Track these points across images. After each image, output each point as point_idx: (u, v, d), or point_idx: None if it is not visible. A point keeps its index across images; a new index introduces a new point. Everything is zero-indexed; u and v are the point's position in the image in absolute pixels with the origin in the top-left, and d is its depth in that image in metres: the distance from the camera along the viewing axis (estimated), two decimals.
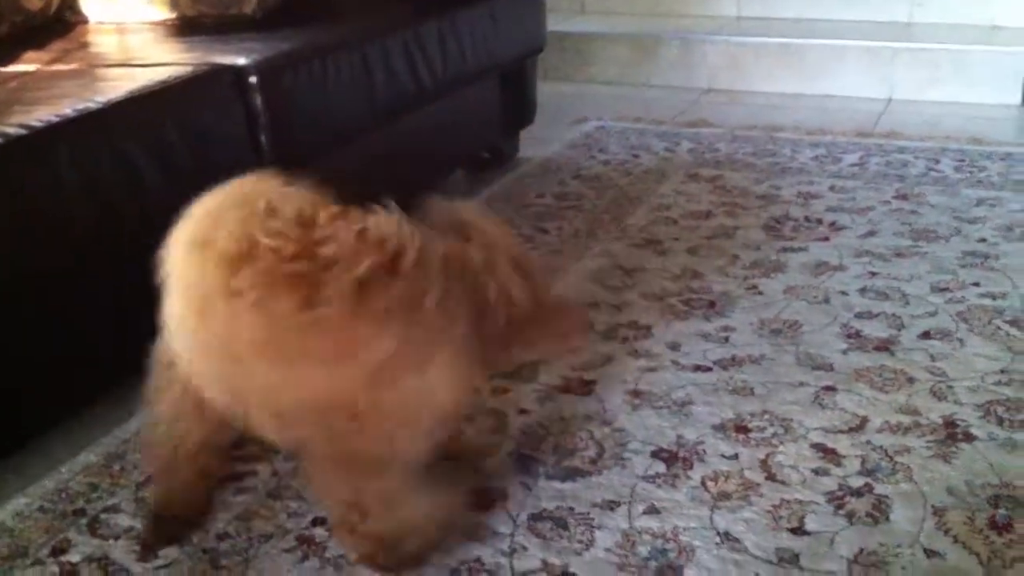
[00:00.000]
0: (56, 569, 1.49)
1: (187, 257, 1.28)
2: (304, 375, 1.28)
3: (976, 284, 2.19)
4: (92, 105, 1.79)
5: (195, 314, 1.28)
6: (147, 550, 1.52)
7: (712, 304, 2.17)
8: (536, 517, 1.54)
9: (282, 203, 1.29)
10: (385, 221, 1.31)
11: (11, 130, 1.65)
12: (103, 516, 1.60)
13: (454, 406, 1.39)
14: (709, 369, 1.91)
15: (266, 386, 1.28)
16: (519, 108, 3.14)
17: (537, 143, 3.25)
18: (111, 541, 1.54)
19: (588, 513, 1.54)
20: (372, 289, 1.25)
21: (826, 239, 2.47)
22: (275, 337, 1.25)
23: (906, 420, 1.72)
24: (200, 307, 1.27)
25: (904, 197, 2.71)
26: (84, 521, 1.59)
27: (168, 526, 1.55)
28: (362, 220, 1.30)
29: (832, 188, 2.81)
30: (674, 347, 2.00)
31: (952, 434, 1.68)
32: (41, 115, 1.72)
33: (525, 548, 1.48)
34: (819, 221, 2.58)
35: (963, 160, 2.99)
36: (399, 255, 1.28)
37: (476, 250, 1.37)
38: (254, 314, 1.23)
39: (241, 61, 2.07)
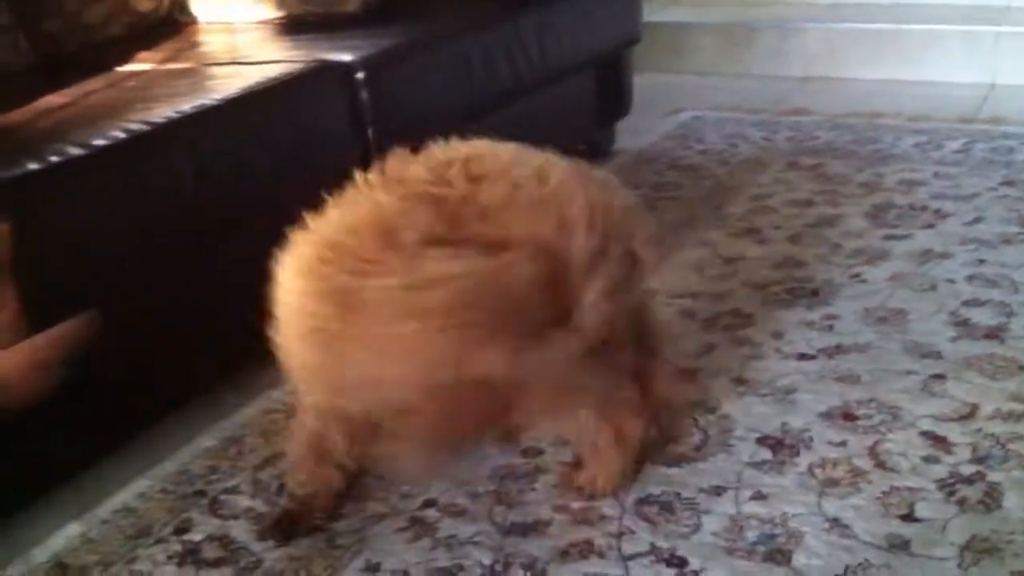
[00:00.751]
0: (179, 547, 1.56)
1: None
2: None
3: None
4: (208, 102, 1.85)
5: None
6: (271, 537, 1.56)
7: (815, 292, 2.15)
8: (643, 501, 1.56)
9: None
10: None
11: (134, 126, 1.72)
12: (223, 497, 1.66)
13: None
14: (814, 357, 1.91)
15: None
16: (615, 99, 3.14)
17: (633, 134, 3.25)
18: (231, 521, 1.60)
19: (695, 498, 1.56)
20: None
21: (931, 226, 2.43)
22: None
23: (1018, 408, 1.70)
24: None
25: (1011, 184, 2.66)
26: (204, 502, 1.65)
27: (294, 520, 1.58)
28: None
29: (936, 175, 2.76)
30: (777, 335, 1.99)
31: None
32: (160, 112, 1.79)
33: (633, 531, 1.50)
34: (923, 208, 2.54)
35: None
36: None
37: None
38: None
39: (348, 58, 2.13)
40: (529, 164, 1.42)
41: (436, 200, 1.35)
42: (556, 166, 1.43)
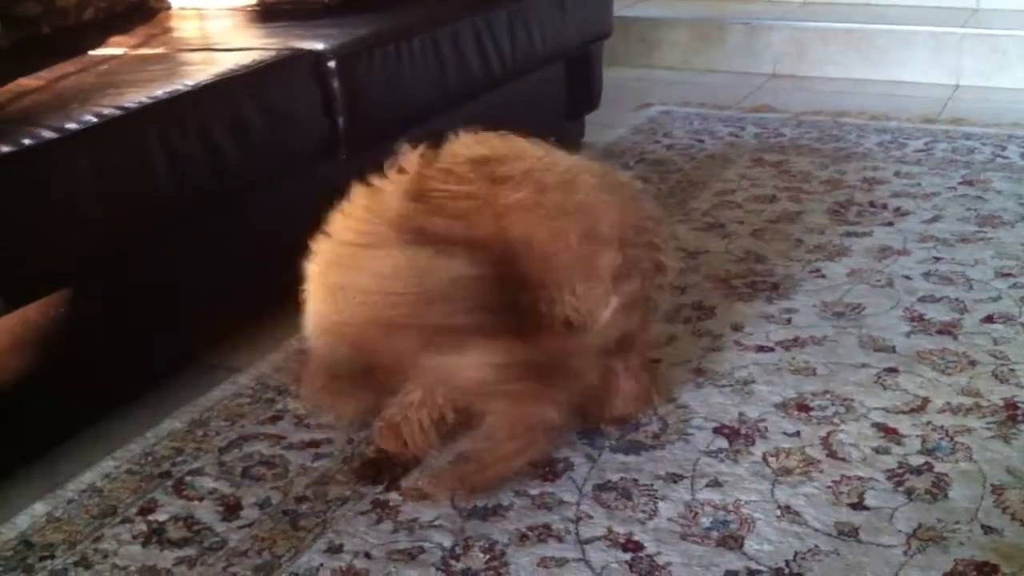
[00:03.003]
0: (144, 527, 1.58)
1: None
2: None
3: None
4: (180, 88, 1.87)
5: None
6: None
7: (775, 287, 2.20)
8: (601, 487, 1.60)
9: None
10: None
11: (106, 111, 1.74)
12: (188, 478, 1.68)
13: None
14: (771, 350, 1.95)
15: None
16: (584, 93, 3.17)
17: (602, 128, 3.28)
18: (196, 502, 1.62)
19: (652, 485, 1.59)
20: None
21: (890, 224, 2.48)
22: None
23: (967, 401, 1.75)
24: None
25: (970, 183, 2.71)
26: (170, 483, 1.67)
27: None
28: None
29: (897, 174, 2.81)
30: (737, 328, 2.04)
31: (1013, 416, 1.70)
32: (133, 97, 1.80)
33: (590, 516, 1.53)
34: (883, 206, 2.59)
35: None
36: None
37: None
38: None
39: (319, 46, 2.15)
40: (557, 169, 1.45)
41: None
42: (586, 174, 1.45)
